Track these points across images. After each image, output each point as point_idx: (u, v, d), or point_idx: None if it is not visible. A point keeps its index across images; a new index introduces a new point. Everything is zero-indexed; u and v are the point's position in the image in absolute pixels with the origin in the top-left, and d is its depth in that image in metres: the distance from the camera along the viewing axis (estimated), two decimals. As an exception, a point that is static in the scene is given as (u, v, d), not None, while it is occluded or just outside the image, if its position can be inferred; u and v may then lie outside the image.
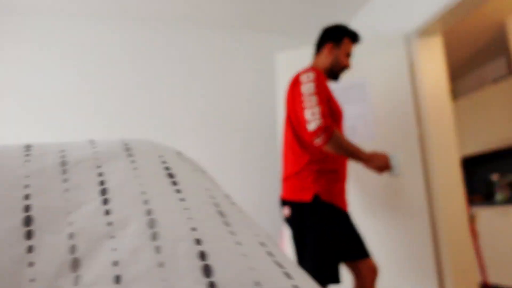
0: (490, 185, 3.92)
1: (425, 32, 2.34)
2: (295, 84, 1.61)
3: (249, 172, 2.81)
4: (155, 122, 2.71)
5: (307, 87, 1.53)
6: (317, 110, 1.46)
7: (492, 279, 3.38)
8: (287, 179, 1.60)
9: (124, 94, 2.70)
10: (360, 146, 1.59)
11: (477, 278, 2.10)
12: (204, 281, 0.23)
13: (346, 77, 2.35)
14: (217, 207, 0.32)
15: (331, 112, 1.58)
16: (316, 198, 1.49)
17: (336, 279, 1.42)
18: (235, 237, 0.28)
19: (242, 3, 2.73)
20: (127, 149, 0.37)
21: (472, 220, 3.57)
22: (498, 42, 3.74)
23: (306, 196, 1.50)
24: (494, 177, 3.83)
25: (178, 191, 0.32)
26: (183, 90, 2.82)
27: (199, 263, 0.24)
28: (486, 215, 3.45)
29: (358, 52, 2.37)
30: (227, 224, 0.30)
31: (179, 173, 0.36)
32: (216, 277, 0.23)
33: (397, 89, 2.26)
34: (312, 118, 1.45)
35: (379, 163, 1.53)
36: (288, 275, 0.27)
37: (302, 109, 1.51)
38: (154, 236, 0.26)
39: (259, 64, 3.04)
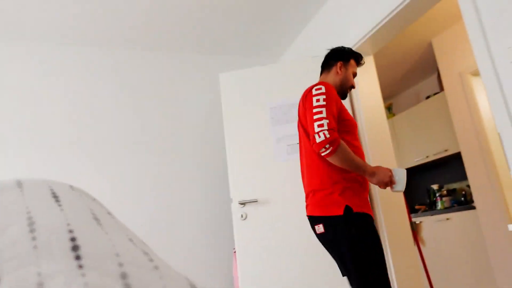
0: (432, 194, 4.15)
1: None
2: (306, 96, 1.64)
3: (200, 193, 2.76)
4: (100, 145, 2.60)
5: (317, 98, 1.57)
6: (325, 122, 1.49)
7: (437, 285, 3.52)
8: (314, 194, 1.59)
9: (68, 119, 2.57)
10: (364, 160, 1.60)
11: (422, 285, 2.17)
12: (72, 254, 0.27)
13: (289, 96, 2.41)
14: (94, 215, 0.36)
15: (345, 125, 1.63)
16: (348, 210, 1.49)
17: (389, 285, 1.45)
18: (107, 234, 0.33)
19: (187, 26, 2.75)
20: (19, 183, 0.42)
21: (416, 228, 3.73)
22: (429, 60, 4.05)
23: (338, 211, 1.50)
24: (435, 186, 4.06)
25: (58, 203, 0.37)
26: (131, 114, 2.75)
27: (69, 244, 0.28)
28: (429, 223, 3.63)
29: (299, 72, 2.45)
30: (100, 225, 0.34)
31: (64, 195, 0.40)
32: (82, 251, 0.28)
33: (336, 106, 2.36)
34: (320, 130, 1.48)
35: (382, 178, 1.54)
36: (149, 257, 0.31)
37: (311, 120, 1.53)
38: (32, 231, 0.30)
39: (206, 85, 3.05)
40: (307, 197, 1.66)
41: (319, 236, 1.58)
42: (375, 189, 2.25)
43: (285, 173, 2.28)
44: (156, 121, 2.82)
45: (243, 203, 2.24)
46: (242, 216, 2.23)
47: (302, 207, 2.21)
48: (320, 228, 1.55)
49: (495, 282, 2.95)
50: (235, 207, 2.26)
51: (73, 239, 0.29)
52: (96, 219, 0.35)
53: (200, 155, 2.87)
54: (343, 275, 1.57)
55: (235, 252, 2.33)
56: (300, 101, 1.72)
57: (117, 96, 2.77)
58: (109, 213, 0.41)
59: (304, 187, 1.70)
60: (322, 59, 2.45)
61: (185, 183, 2.76)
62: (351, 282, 1.49)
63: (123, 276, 0.27)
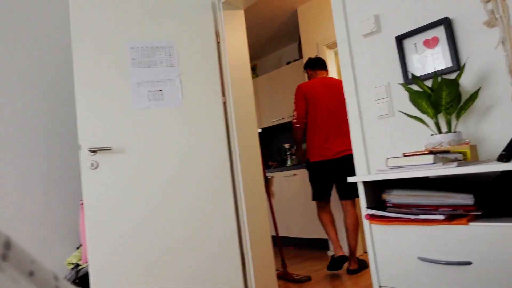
0: (284, 152, 4.56)
1: (229, 3, 2.42)
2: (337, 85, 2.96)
3: (44, 138, 2.36)
4: None
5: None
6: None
7: (282, 232, 3.98)
8: (346, 136, 2.82)
9: None
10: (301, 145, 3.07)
11: (269, 232, 2.39)
12: None
13: (153, 37, 2.20)
14: None
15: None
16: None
17: None
18: None
19: None
20: None
21: (268, 182, 4.08)
22: (292, 28, 4.28)
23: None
24: (286, 145, 4.47)
25: None
26: None
27: None
28: (279, 177, 4.01)
29: (165, 14, 2.25)
30: None
31: None
32: None
33: (204, 56, 2.28)
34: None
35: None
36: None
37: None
38: None
39: (52, 8, 2.53)
40: (339, 137, 2.84)
41: (342, 163, 2.83)
42: (235, 149, 2.31)
43: (145, 121, 2.12)
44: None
45: (94, 151, 2.01)
46: (92, 165, 2.01)
47: (162, 158, 2.11)
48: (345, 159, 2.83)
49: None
50: (84, 155, 2.01)
51: None
52: None
53: (44, 93, 2.43)
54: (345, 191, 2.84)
55: (82, 203, 2.11)
56: (329, 87, 2.92)
57: None
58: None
59: (331, 138, 2.84)
60: (192, 1, 2.31)
61: (26, 124, 2.31)
62: (350, 193, 2.81)
63: None
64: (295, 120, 2.96)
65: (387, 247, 1.18)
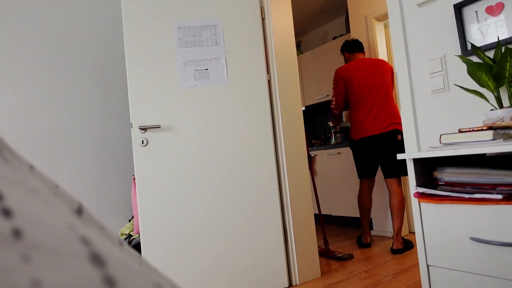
0: (328, 131, 4.49)
1: (275, -23, 2.37)
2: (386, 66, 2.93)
3: (100, 117, 2.50)
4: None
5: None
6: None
7: (324, 210, 3.97)
8: (391, 111, 2.81)
9: None
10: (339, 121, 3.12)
11: (312, 210, 2.39)
12: None
13: (199, 16, 2.22)
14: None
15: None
16: None
17: None
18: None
19: None
20: None
21: (312, 160, 4.05)
22: (339, 2, 4.11)
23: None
24: (330, 123, 4.38)
25: None
26: (13, 25, 2.25)
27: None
28: (323, 156, 3.96)
29: (211, -9, 2.25)
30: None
31: None
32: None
33: (249, 33, 2.26)
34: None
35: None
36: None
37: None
38: None
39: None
40: (386, 119, 2.80)
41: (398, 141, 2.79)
42: (279, 126, 2.30)
43: (192, 100, 2.17)
44: (49, 39, 2.38)
45: (144, 129, 2.10)
46: (143, 142, 2.10)
47: (207, 136, 2.17)
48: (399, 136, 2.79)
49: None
50: (135, 133, 2.11)
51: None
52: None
53: (99, 75, 2.56)
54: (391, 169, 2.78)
55: (134, 178, 2.23)
56: (377, 68, 2.86)
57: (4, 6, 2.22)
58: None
59: (374, 114, 2.81)
60: (238, -21, 2.29)
61: (81, 107, 2.46)
62: (395, 171, 2.76)
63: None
64: (333, 106, 3.02)
65: (437, 226, 1.14)
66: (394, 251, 2.74)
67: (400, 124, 2.79)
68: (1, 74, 2.24)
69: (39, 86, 2.35)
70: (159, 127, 2.11)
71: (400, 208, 2.74)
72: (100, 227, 0.29)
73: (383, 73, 2.86)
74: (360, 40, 3.42)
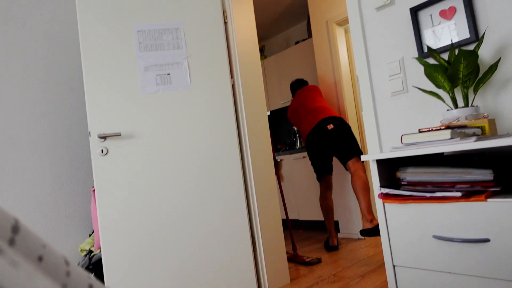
0: (293, 135, 4.52)
1: (236, -18, 2.35)
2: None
3: (54, 125, 2.36)
4: None
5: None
6: None
7: (292, 215, 3.98)
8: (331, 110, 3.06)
9: None
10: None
11: (279, 215, 2.38)
12: None
13: (160, 19, 2.16)
14: None
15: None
16: None
17: None
18: None
19: None
20: None
21: (278, 165, 4.05)
22: (301, 6, 4.17)
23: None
24: (295, 128, 4.42)
25: None
26: None
27: None
28: (288, 160, 3.98)
29: (171, -6, 2.20)
30: None
31: None
32: None
33: (211, 37, 2.23)
34: None
35: None
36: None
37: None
38: None
39: (54, -3, 2.50)
40: (328, 110, 3.02)
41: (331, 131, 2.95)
42: (244, 131, 2.28)
43: (154, 106, 2.10)
44: (2, 39, 2.22)
45: (103, 137, 2.00)
46: (102, 151, 2.00)
47: (171, 142, 2.10)
48: (331, 125, 2.94)
49: (335, 208, 3.47)
50: (93, 141, 2.01)
51: None
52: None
53: (55, 79, 2.42)
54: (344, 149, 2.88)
55: (94, 190, 2.12)
56: (312, 90, 3.24)
57: None
58: None
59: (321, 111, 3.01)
60: (198, -17, 2.25)
61: (34, 114, 2.31)
62: (350, 152, 2.84)
63: None
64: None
65: (401, 226, 1.15)
66: (363, 232, 2.59)
67: (339, 116, 3.02)
68: None
69: (-15, 94, 2.18)
70: (120, 135, 2.02)
71: (364, 188, 2.66)
72: (40, 247, 0.25)
73: (316, 92, 3.24)
74: (322, 44, 3.48)
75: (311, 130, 2.98)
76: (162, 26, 2.17)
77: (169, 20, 2.18)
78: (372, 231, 2.61)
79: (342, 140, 2.87)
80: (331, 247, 3.00)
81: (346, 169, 2.87)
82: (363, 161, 2.81)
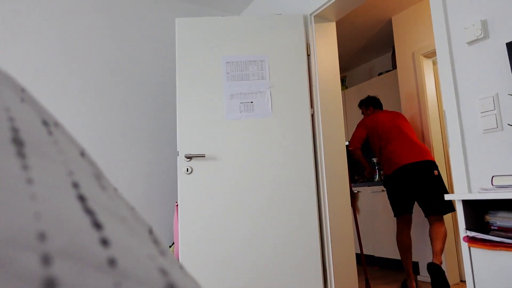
0: (373, 167, 4.37)
1: (320, 16, 2.44)
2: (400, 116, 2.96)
3: (148, 144, 2.64)
4: (52, 88, 2.35)
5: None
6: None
7: (367, 250, 3.80)
8: (422, 146, 2.75)
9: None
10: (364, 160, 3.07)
11: (353, 249, 2.31)
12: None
13: (247, 52, 2.32)
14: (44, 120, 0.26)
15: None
16: None
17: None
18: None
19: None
20: None
21: (354, 197, 3.94)
22: (386, 38, 4.12)
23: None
24: (375, 159, 4.27)
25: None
26: (82, 57, 2.49)
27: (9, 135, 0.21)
28: (366, 193, 3.84)
29: (259, 29, 2.36)
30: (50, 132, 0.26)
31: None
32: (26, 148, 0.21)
33: (294, 68, 2.32)
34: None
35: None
36: (100, 183, 0.22)
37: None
38: None
39: (162, 31, 2.84)
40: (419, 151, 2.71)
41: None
42: (321, 161, 2.29)
43: (236, 131, 2.24)
44: (105, 65, 2.60)
45: (189, 157, 2.18)
46: (187, 170, 2.18)
47: (250, 167, 2.20)
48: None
49: (415, 248, 3.23)
50: (180, 161, 2.20)
51: (14, 130, 0.22)
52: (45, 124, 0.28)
53: (151, 103, 2.72)
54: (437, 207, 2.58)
55: (177, 205, 2.29)
56: (398, 116, 2.92)
57: (68, 37, 2.49)
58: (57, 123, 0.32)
59: (406, 147, 2.73)
60: (284, 17, 2.39)
61: (132, 131, 2.62)
62: (437, 208, 2.55)
63: (75, 185, 0.21)
64: (348, 143, 3.17)
65: (489, 274, 1.06)
66: (428, 266, 2.42)
67: (433, 159, 2.70)
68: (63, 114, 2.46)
69: (96, 117, 2.54)
70: (204, 156, 2.18)
71: (440, 233, 2.52)
72: (163, 251, 0.31)
73: (403, 119, 2.93)
74: (407, 76, 3.38)
75: (404, 165, 2.70)
76: (248, 58, 2.33)
77: (256, 53, 2.33)
78: (435, 269, 2.41)
79: (429, 190, 2.60)
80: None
81: (426, 216, 2.67)
82: (449, 200, 2.56)
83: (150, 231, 0.26)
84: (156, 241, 0.22)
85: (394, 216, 2.82)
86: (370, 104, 3.15)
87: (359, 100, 4.42)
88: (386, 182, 2.87)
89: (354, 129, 3.09)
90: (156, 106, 2.75)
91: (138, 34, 2.76)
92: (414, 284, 2.79)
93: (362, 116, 4.40)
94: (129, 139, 2.61)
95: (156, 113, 2.74)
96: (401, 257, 2.79)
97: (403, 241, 2.76)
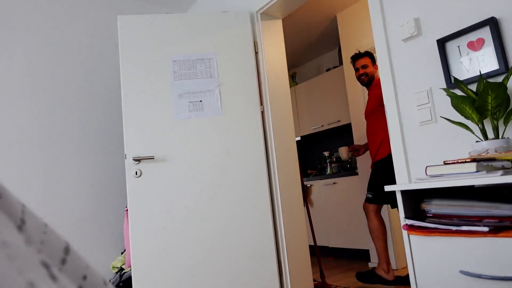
0: (323, 160, 4.50)
1: (267, 14, 2.46)
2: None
3: (92, 148, 2.52)
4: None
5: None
6: None
7: (321, 242, 3.91)
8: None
9: None
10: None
11: (307, 241, 2.36)
12: None
13: (194, 50, 2.28)
14: None
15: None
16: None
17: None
18: None
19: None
20: None
21: (307, 191, 4.03)
22: (332, 34, 4.24)
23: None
24: (326, 153, 4.40)
25: None
26: (15, 57, 2.31)
27: None
28: (318, 186, 3.95)
29: (206, 26, 2.33)
30: None
31: None
32: None
33: (242, 66, 2.32)
34: None
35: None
36: None
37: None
38: None
39: (102, 28, 2.71)
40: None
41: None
42: (272, 157, 2.32)
43: (186, 131, 2.20)
44: (44, 65, 2.44)
45: (137, 160, 2.11)
46: (136, 173, 2.10)
47: (201, 167, 2.17)
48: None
49: (366, 236, 3.38)
50: (128, 164, 2.12)
51: None
52: None
53: (95, 105, 2.59)
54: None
55: (127, 210, 2.21)
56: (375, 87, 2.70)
57: (4, 38, 2.29)
58: None
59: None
60: (231, 15, 2.37)
61: (75, 136, 2.48)
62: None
63: None
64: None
65: (426, 259, 1.12)
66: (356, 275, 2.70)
67: None
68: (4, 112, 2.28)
69: (35, 120, 2.37)
70: (153, 158, 2.12)
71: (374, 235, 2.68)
72: (85, 267, 0.28)
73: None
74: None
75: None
76: (196, 56, 2.29)
77: (203, 51, 2.29)
78: (367, 276, 2.62)
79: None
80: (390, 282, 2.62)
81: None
82: (390, 191, 2.50)
83: (65, 247, 0.24)
84: (67, 254, 0.21)
85: (375, 203, 2.63)
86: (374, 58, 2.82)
87: (309, 96, 4.51)
88: (380, 165, 2.63)
89: (371, 91, 2.74)
90: (101, 107, 2.62)
91: (78, 31, 2.62)
92: (390, 267, 2.67)
93: (311, 110, 4.50)
94: (71, 143, 2.47)
95: (101, 114, 2.61)
96: (377, 244, 2.67)
97: (381, 227, 2.64)
